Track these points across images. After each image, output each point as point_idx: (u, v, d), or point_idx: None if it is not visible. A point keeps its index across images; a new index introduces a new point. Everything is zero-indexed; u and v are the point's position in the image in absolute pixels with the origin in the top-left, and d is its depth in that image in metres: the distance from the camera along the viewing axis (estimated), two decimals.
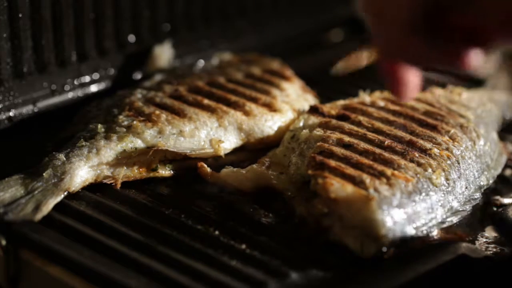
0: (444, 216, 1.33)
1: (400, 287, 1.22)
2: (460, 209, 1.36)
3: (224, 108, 1.49)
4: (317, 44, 1.98)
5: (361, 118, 1.45)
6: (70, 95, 1.63)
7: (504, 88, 1.72)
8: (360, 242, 1.25)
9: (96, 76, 1.67)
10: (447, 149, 1.40)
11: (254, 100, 1.53)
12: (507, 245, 1.32)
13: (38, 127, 1.57)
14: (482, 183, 1.43)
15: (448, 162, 1.38)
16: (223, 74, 1.62)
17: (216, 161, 1.46)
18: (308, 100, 1.59)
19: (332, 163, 1.32)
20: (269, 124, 1.50)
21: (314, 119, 1.48)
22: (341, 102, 1.54)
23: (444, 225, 1.32)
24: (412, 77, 1.14)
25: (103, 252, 1.26)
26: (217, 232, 1.31)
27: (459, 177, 1.38)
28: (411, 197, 1.30)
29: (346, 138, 1.39)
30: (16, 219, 1.30)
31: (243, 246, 1.28)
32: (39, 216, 1.31)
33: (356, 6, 2.02)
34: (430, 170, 1.34)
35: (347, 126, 1.43)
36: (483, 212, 1.41)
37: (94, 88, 1.66)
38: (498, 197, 1.44)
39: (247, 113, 1.49)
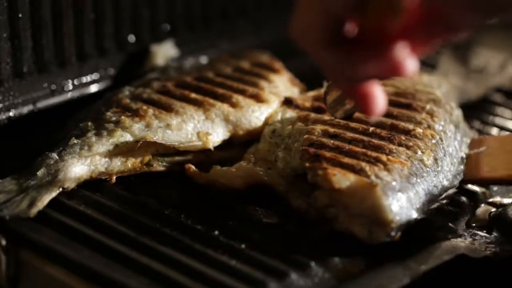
0: (439, 196, 1.34)
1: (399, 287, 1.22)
2: (450, 186, 1.37)
3: (211, 101, 1.50)
4: None
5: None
6: (70, 95, 1.64)
7: (455, 73, 1.73)
8: (367, 230, 1.26)
9: (96, 76, 1.67)
10: (428, 126, 1.42)
11: (241, 92, 1.53)
12: (507, 245, 1.32)
13: (38, 127, 1.57)
14: (463, 155, 1.44)
15: (433, 141, 1.39)
16: (212, 69, 1.63)
17: (208, 157, 1.47)
18: (295, 92, 1.59)
19: (327, 153, 1.32)
20: (256, 115, 1.50)
21: (291, 113, 1.49)
22: (311, 93, 1.54)
23: (438, 205, 1.33)
24: (375, 91, 1.12)
25: (103, 252, 1.26)
26: (217, 232, 1.31)
27: (444, 155, 1.39)
28: (409, 180, 1.31)
29: (331, 129, 1.39)
30: (11, 215, 1.30)
31: (243, 246, 1.28)
32: (34, 211, 1.31)
33: None
34: (419, 152, 1.36)
35: (326, 117, 1.43)
36: (483, 212, 1.41)
37: (94, 88, 1.66)
38: (498, 197, 1.44)
39: (234, 105, 1.50)
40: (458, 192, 1.41)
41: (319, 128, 1.40)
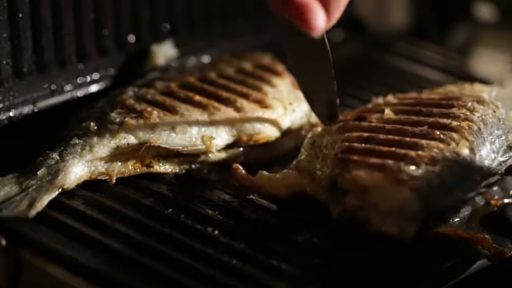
0: (477, 184, 1.33)
1: (399, 287, 1.23)
2: (490, 173, 1.35)
3: (216, 104, 1.50)
4: None
5: (377, 115, 1.44)
6: (70, 95, 1.63)
7: None
8: (398, 226, 1.24)
9: (96, 76, 1.67)
10: (466, 119, 1.38)
11: (246, 97, 1.53)
12: (507, 245, 1.32)
13: (38, 127, 1.57)
14: (510, 143, 1.40)
15: (470, 130, 1.36)
16: (214, 69, 1.63)
17: (208, 158, 1.47)
18: (298, 96, 1.59)
19: (355, 157, 1.31)
20: (260, 120, 1.50)
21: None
22: (358, 109, 1.53)
23: (476, 193, 1.33)
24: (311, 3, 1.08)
25: (103, 252, 1.26)
26: (217, 232, 1.31)
27: (483, 143, 1.36)
28: (439, 172, 1.28)
29: (365, 134, 1.37)
30: (10, 215, 1.30)
31: (243, 246, 1.28)
32: (33, 212, 1.31)
33: (357, 6, 2.02)
34: (453, 143, 1.32)
35: (364, 124, 1.42)
36: (483, 212, 1.41)
37: (94, 88, 1.66)
38: (498, 197, 1.44)
39: (238, 110, 1.50)
40: None
41: (354, 135, 1.38)
